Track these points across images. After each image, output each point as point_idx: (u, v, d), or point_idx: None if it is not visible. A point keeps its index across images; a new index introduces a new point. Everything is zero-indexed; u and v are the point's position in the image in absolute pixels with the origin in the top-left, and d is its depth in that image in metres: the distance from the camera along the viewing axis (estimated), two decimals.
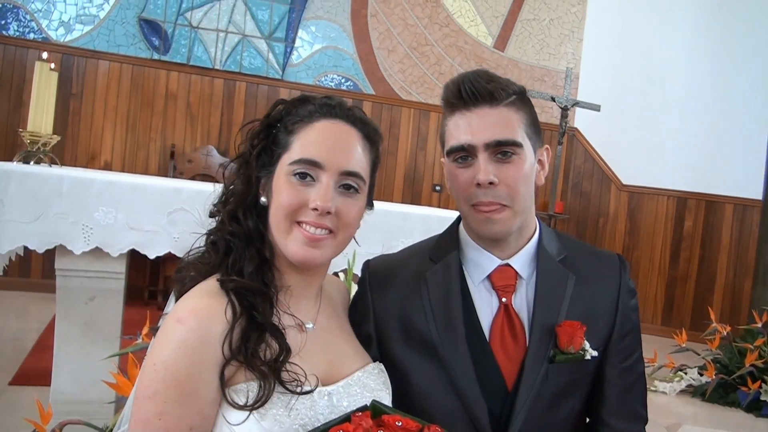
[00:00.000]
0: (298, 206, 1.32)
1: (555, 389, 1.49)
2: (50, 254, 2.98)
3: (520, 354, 1.50)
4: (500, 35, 8.06)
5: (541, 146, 1.59)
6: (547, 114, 7.89)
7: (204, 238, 1.43)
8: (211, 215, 1.42)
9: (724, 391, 5.31)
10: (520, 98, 1.52)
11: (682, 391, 5.45)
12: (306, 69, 7.40)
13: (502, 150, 1.47)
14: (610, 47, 8.24)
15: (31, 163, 3.12)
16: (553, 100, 7.42)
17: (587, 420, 1.65)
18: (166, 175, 6.71)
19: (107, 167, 6.70)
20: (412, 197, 7.56)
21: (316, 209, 1.31)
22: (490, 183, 1.46)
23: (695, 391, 5.42)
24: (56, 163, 3.21)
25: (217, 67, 7.09)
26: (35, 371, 3.99)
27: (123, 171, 6.55)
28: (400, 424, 1.16)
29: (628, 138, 8.10)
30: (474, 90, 1.47)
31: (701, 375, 5.50)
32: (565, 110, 7.39)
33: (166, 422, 1.20)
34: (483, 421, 1.47)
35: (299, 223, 1.33)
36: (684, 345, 5.79)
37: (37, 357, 4.35)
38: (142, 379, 1.24)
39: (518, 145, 1.48)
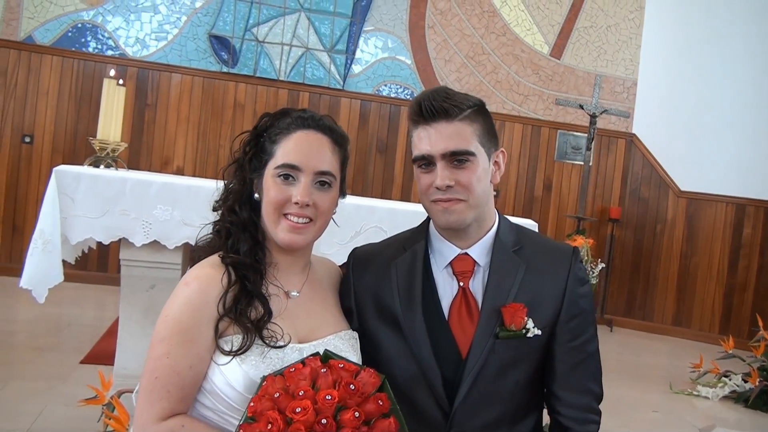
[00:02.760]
0: (284, 201, 1.68)
1: (500, 361, 1.75)
2: None
3: (473, 330, 1.77)
4: (557, 43, 8.22)
5: (497, 150, 1.84)
6: (605, 121, 7.99)
7: (211, 227, 1.81)
8: (214, 209, 1.80)
9: (767, 398, 5.36)
10: (476, 111, 1.77)
11: (725, 397, 5.52)
12: (365, 79, 7.76)
13: (457, 158, 1.73)
14: (667, 53, 8.27)
15: (101, 166, 3.52)
16: (581, 107, 7.57)
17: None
18: None
19: (179, 172, 7.21)
20: None
21: (297, 203, 1.67)
22: (448, 186, 1.73)
23: (738, 398, 5.48)
24: (124, 168, 3.61)
25: (281, 78, 7.53)
26: (104, 353, 4.44)
27: (194, 175, 7.02)
28: (342, 365, 1.46)
29: (686, 144, 8.11)
30: (432, 107, 1.73)
31: (745, 381, 5.54)
32: (594, 117, 7.51)
33: (172, 360, 1.55)
34: (436, 384, 1.75)
35: (285, 215, 1.69)
36: (730, 351, 5.83)
37: (107, 341, 4.81)
38: (157, 327, 1.61)
39: (471, 153, 1.74)
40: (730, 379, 5.63)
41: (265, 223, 1.72)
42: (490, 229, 1.86)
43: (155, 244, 3.31)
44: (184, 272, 3.63)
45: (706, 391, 5.54)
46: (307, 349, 1.66)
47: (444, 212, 1.76)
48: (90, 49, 7.19)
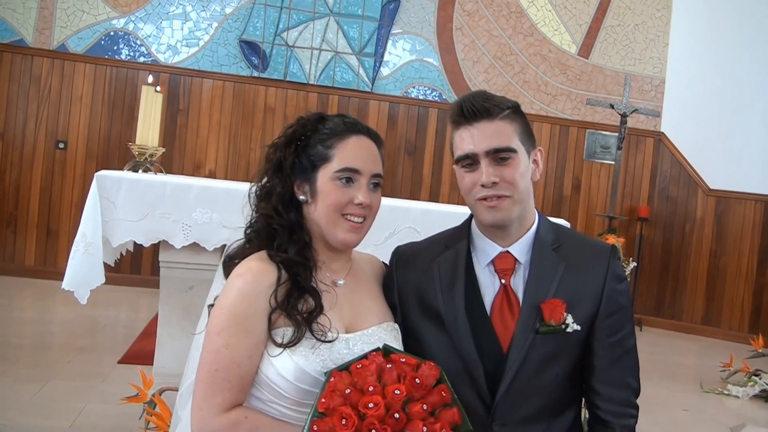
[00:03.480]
0: (346, 203, 1.74)
1: (541, 356, 1.79)
2: (157, 252, 3.43)
3: (514, 326, 1.81)
4: (584, 42, 8.21)
5: (534, 149, 1.89)
6: (633, 120, 7.95)
7: (243, 232, 1.85)
8: (255, 211, 1.83)
9: None
10: (514, 111, 1.83)
11: (755, 396, 5.51)
12: (394, 81, 7.82)
13: (500, 156, 1.79)
14: (695, 51, 8.24)
15: (140, 171, 3.61)
16: (612, 107, 7.56)
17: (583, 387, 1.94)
18: None
19: (211, 175, 7.31)
20: None
21: (360, 204, 1.74)
22: (493, 183, 1.78)
23: None
24: (161, 172, 3.70)
25: (311, 82, 7.62)
26: (141, 353, 4.54)
27: (226, 179, 7.09)
28: (404, 360, 1.53)
29: (714, 142, 8.07)
30: (473, 108, 1.79)
31: None
32: (624, 116, 7.51)
33: (231, 351, 1.60)
34: (479, 378, 1.80)
35: (344, 215, 1.75)
36: (761, 350, 5.82)
37: (143, 342, 4.91)
38: (212, 320, 1.66)
39: (513, 150, 1.79)
40: (760, 378, 5.61)
41: (314, 223, 1.77)
42: (531, 227, 1.90)
43: (194, 246, 3.37)
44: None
45: (737, 390, 5.52)
46: (353, 339, 1.72)
47: (490, 210, 1.81)
48: (122, 57, 7.34)
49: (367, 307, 1.85)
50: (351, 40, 7.69)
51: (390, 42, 7.81)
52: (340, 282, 1.81)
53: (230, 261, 1.80)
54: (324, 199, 1.75)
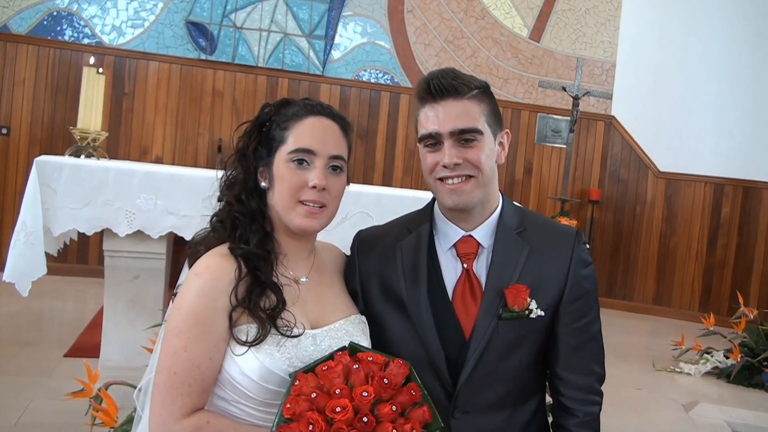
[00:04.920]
0: (300, 186, 1.66)
1: (504, 342, 1.75)
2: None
3: (476, 311, 1.77)
4: (536, 26, 8.21)
5: (501, 131, 1.84)
6: (584, 103, 8.00)
7: (209, 220, 1.78)
8: (219, 200, 1.77)
9: (749, 373, 5.45)
10: (483, 92, 1.77)
11: (707, 373, 5.61)
12: (345, 65, 7.71)
13: (465, 137, 1.73)
14: (646, 35, 8.30)
15: (82, 156, 3.48)
16: (564, 90, 7.60)
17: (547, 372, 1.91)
18: (214, 168, 7.08)
19: (158, 161, 7.12)
20: None
21: (314, 187, 1.65)
22: (455, 164, 1.73)
23: (720, 374, 5.56)
24: (104, 157, 3.57)
25: (260, 65, 7.45)
26: (88, 345, 4.40)
27: (174, 164, 6.95)
28: (371, 359, 1.47)
29: (664, 125, 8.17)
30: (441, 85, 1.72)
31: (727, 358, 5.62)
32: (576, 99, 7.57)
33: (190, 353, 1.53)
34: (440, 366, 1.75)
35: (301, 201, 1.67)
36: (712, 329, 5.92)
37: (90, 333, 4.77)
38: (170, 321, 1.58)
39: (479, 131, 1.74)
40: (711, 356, 5.72)
41: (275, 211, 1.71)
42: (494, 211, 1.86)
43: (139, 234, 3.30)
44: (168, 262, 3.62)
45: (689, 368, 5.63)
46: (320, 335, 1.66)
47: (451, 193, 1.76)
48: (66, 38, 7.07)
49: (332, 302, 1.79)
50: (301, 21, 7.54)
51: (341, 24, 7.68)
52: (302, 279, 1.74)
53: (195, 247, 1.74)
54: (279, 183, 1.68)
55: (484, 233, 1.83)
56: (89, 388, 3.06)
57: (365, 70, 7.78)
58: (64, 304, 6.04)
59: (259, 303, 1.59)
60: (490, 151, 1.78)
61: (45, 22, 7.01)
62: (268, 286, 1.63)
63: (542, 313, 1.75)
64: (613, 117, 8.41)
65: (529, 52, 8.18)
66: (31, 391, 3.73)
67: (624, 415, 4.43)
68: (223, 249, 1.67)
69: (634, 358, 6.05)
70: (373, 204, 3.43)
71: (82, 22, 7.10)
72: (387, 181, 7.74)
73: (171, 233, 3.35)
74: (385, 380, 1.41)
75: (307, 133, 1.69)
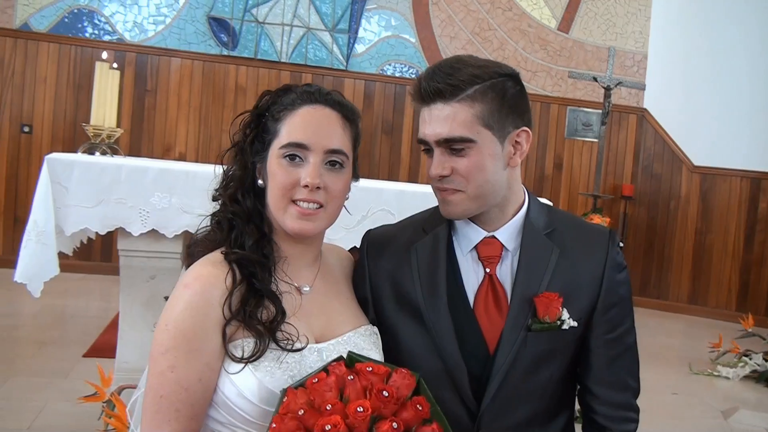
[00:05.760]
0: (291, 185, 1.49)
1: (533, 356, 1.57)
2: None
3: (502, 321, 1.59)
4: (564, 17, 8.01)
5: (517, 129, 1.60)
6: (616, 96, 7.78)
7: (209, 219, 1.62)
8: (214, 199, 1.61)
9: None
10: (483, 89, 1.53)
11: (745, 377, 5.40)
12: (369, 59, 7.58)
13: (452, 146, 1.54)
14: (678, 24, 8.06)
15: (96, 154, 3.39)
16: (595, 80, 7.37)
17: (578, 388, 1.74)
18: None
19: (182, 158, 7.07)
20: None
21: (306, 186, 1.48)
22: (442, 176, 1.55)
23: (759, 377, 5.35)
24: (118, 154, 3.48)
25: (283, 60, 7.36)
26: (107, 345, 4.31)
27: (197, 161, 6.88)
28: (370, 369, 1.30)
29: (699, 118, 7.92)
30: (428, 87, 1.53)
31: (766, 361, 5.42)
32: (608, 90, 7.33)
33: (177, 374, 1.37)
34: (463, 383, 1.57)
35: (294, 201, 1.50)
36: (750, 330, 5.71)
37: (111, 333, 4.69)
38: (156, 337, 1.42)
39: (468, 140, 1.52)
40: (750, 359, 5.50)
41: (271, 211, 1.54)
42: (519, 210, 1.67)
43: (154, 233, 3.19)
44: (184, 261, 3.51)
45: (726, 372, 5.41)
46: (326, 349, 1.50)
47: (443, 202, 1.60)
48: (87, 35, 7.04)
49: (339, 312, 1.62)
50: (324, 15, 7.43)
51: (364, 17, 7.55)
52: (305, 289, 1.58)
53: (194, 246, 1.59)
54: (271, 181, 1.52)
55: (508, 234, 1.65)
56: (102, 392, 2.98)
57: (389, 64, 7.64)
58: (87, 303, 6.00)
59: (256, 314, 1.43)
60: (491, 157, 1.56)
61: (66, 20, 6.98)
62: (265, 295, 1.47)
63: (575, 324, 1.58)
64: (646, 110, 8.18)
65: (557, 44, 7.98)
66: (47, 393, 3.68)
67: (659, 422, 4.24)
68: (216, 255, 1.52)
69: (669, 360, 5.85)
70: (395, 201, 3.29)
71: (102, 19, 7.06)
72: (413, 178, 7.59)
73: (186, 232, 3.24)
74: (385, 393, 1.23)
75: (300, 124, 1.51)
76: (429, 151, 1.59)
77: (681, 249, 8.06)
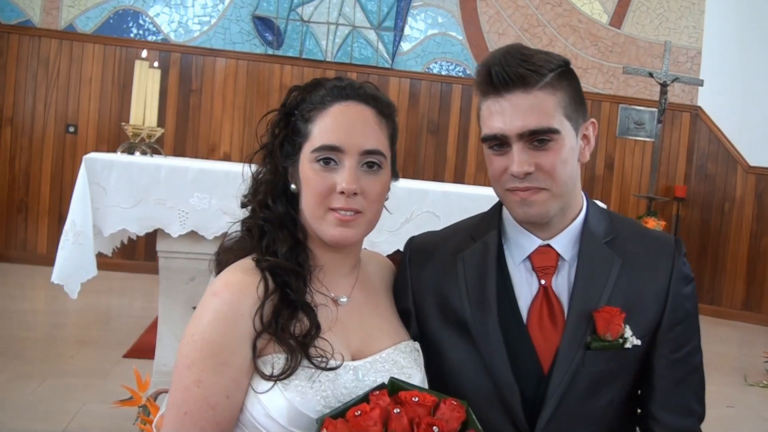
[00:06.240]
0: (327, 191, 1.38)
1: (591, 377, 1.44)
2: None
3: (557, 338, 1.45)
4: (616, 12, 7.79)
5: (585, 121, 1.50)
6: (668, 93, 7.53)
7: (240, 225, 1.52)
8: (243, 206, 1.51)
9: None
10: (558, 76, 1.42)
11: None
12: (415, 57, 7.47)
13: (538, 138, 1.40)
14: (733, 18, 7.76)
15: (136, 153, 3.34)
16: (651, 75, 7.15)
17: (639, 412, 1.59)
18: None
19: (226, 158, 7.05)
20: None
21: (343, 192, 1.37)
22: (526, 173, 1.41)
23: None
24: (159, 154, 3.43)
25: (328, 59, 7.29)
26: (148, 346, 4.26)
27: (242, 161, 6.83)
28: (416, 399, 1.19)
29: (755, 116, 7.60)
30: (505, 74, 1.38)
31: None
32: (664, 86, 7.09)
33: (204, 389, 1.27)
34: (515, 405, 1.44)
35: (331, 208, 1.39)
36: None
37: (152, 334, 4.65)
38: (181, 349, 1.32)
39: (554, 131, 1.40)
40: None
41: (307, 218, 1.43)
42: (577, 216, 1.53)
43: (193, 235, 3.14)
44: None
45: None
46: (362, 367, 1.38)
47: (522, 204, 1.44)
48: (132, 36, 7.08)
49: (378, 326, 1.50)
50: (369, 13, 7.33)
51: (410, 15, 7.43)
52: (342, 300, 1.46)
53: (223, 254, 1.49)
54: (305, 187, 1.41)
55: (565, 243, 1.51)
56: (138, 396, 2.92)
57: (436, 62, 7.51)
58: (130, 302, 6.03)
59: (289, 327, 1.32)
60: (570, 151, 1.44)
61: (111, 21, 7.03)
62: (299, 306, 1.35)
63: (639, 342, 1.43)
64: (699, 107, 7.91)
65: (609, 40, 7.76)
66: (85, 394, 3.65)
67: None
68: (247, 262, 1.41)
69: (723, 370, 5.58)
70: (441, 203, 3.17)
71: (147, 20, 7.08)
72: (459, 178, 7.44)
73: (226, 233, 3.17)
74: (435, 429, 1.13)
75: (332, 125, 1.39)
76: (500, 146, 1.45)
77: (735, 253, 7.75)
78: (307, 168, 1.40)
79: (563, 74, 1.44)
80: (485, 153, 1.51)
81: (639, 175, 7.81)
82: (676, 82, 7.29)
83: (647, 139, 7.65)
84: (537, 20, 7.64)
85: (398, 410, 1.16)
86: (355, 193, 1.38)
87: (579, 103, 1.47)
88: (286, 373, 1.28)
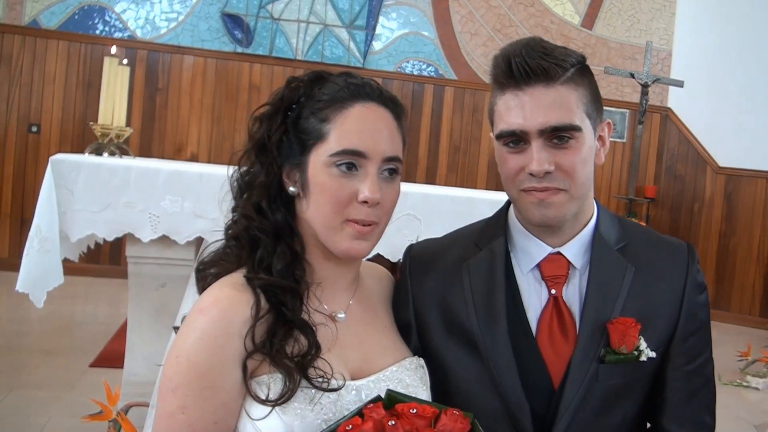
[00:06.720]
0: (348, 200, 1.27)
1: (605, 392, 1.37)
2: None
3: (569, 351, 1.37)
4: (588, 13, 7.80)
5: (602, 122, 1.44)
6: (638, 95, 7.56)
7: (224, 232, 1.39)
8: (234, 210, 1.37)
9: None
10: (580, 71, 1.37)
11: None
12: (387, 56, 7.39)
13: (559, 135, 1.33)
14: (705, 21, 7.81)
15: (104, 154, 3.21)
16: (632, 76, 7.17)
17: (648, 426, 1.52)
18: None
19: (193, 158, 6.89)
20: (497, 184, 7.42)
21: (365, 201, 1.26)
22: (546, 173, 1.33)
23: None
24: (128, 155, 3.30)
25: (299, 57, 7.16)
26: (115, 354, 4.13)
27: (209, 162, 6.72)
28: (414, 411, 1.09)
29: (724, 118, 7.65)
30: (527, 66, 1.31)
31: None
32: (645, 87, 7.13)
33: (189, 416, 1.17)
34: (525, 423, 1.36)
35: (349, 220, 1.28)
36: None
37: (118, 341, 4.51)
38: (166, 372, 1.21)
39: (577, 129, 1.34)
40: None
41: (307, 225, 1.31)
42: (589, 221, 1.46)
43: (165, 239, 3.03)
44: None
45: (756, 382, 5.17)
46: (365, 387, 1.28)
47: (539, 205, 1.36)
48: (98, 32, 6.87)
49: (379, 342, 1.39)
50: (341, 12, 7.23)
51: (382, 14, 7.34)
52: (340, 315, 1.35)
53: (204, 270, 1.36)
54: (318, 194, 1.28)
55: (576, 250, 1.43)
56: (108, 410, 2.80)
57: (408, 62, 7.43)
58: (95, 308, 5.85)
59: (284, 348, 1.21)
60: (589, 150, 1.37)
61: (76, 17, 6.82)
62: (296, 325, 1.24)
63: (654, 354, 1.36)
64: (670, 109, 7.95)
65: (581, 41, 7.76)
66: (51, 407, 3.49)
67: None
68: (237, 277, 1.28)
69: None
70: (422, 205, 3.10)
71: (114, 16, 6.89)
72: (430, 179, 7.38)
73: (199, 238, 3.07)
74: None
75: (355, 127, 1.28)
76: (517, 143, 1.37)
77: (704, 252, 7.76)
78: (321, 172, 1.28)
79: (584, 70, 1.39)
80: (498, 151, 1.42)
81: (610, 176, 7.83)
82: (657, 83, 7.35)
83: (618, 140, 7.68)
84: (509, 20, 7.61)
85: (393, 422, 1.06)
86: (377, 203, 1.28)
87: (598, 101, 1.41)
88: (285, 397, 1.17)
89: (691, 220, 7.90)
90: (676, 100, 7.93)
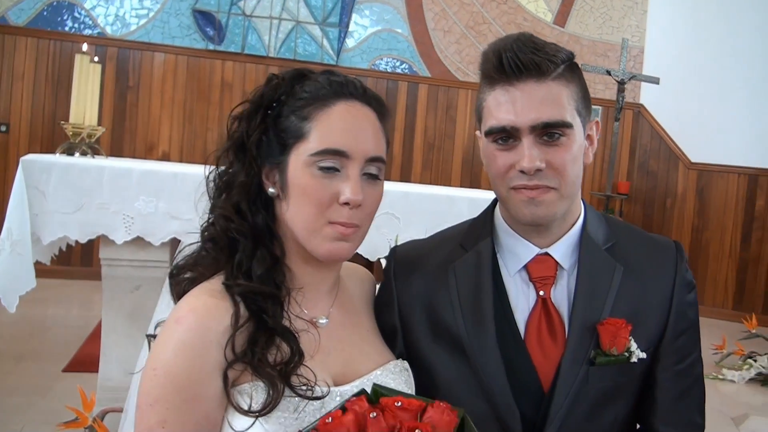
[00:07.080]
0: (329, 201, 1.23)
1: (596, 394, 1.35)
2: None
3: (558, 354, 1.36)
4: (560, 10, 7.81)
5: (591, 120, 1.42)
6: (611, 91, 7.61)
7: (199, 234, 1.34)
8: (212, 211, 1.33)
9: None
10: (570, 68, 1.35)
11: (751, 380, 5.21)
12: (360, 53, 7.34)
13: (549, 132, 1.31)
14: (676, 18, 7.88)
15: (76, 154, 3.15)
16: (608, 73, 7.21)
17: (638, 427, 1.51)
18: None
19: (165, 157, 6.79)
20: (471, 181, 7.43)
21: (347, 203, 1.23)
22: (536, 170, 1.31)
23: (765, 380, 5.16)
24: (100, 155, 3.23)
25: (271, 55, 7.08)
26: (89, 358, 4.07)
27: (181, 161, 6.63)
28: (399, 404, 1.04)
29: (696, 114, 7.73)
30: (518, 61, 1.30)
31: None
32: (621, 84, 7.17)
33: (170, 430, 1.13)
34: (515, 427, 1.34)
35: (331, 222, 1.25)
36: (754, 331, 5.56)
37: (92, 345, 4.44)
38: (143, 386, 1.16)
39: (568, 125, 1.32)
40: (755, 361, 5.32)
41: (287, 228, 1.28)
42: (576, 222, 1.44)
43: (139, 241, 2.98)
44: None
45: (732, 375, 5.22)
46: (349, 392, 1.23)
47: (529, 204, 1.33)
48: (67, 29, 6.73)
49: (361, 347, 1.36)
50: (313, 9, 7.16)
51: (355, 11, 7.29)
52: (321, 321, 1.31)
53: (178, 274, 1.31)
54: (298, 195, 1.24)
55: (564, 250, 1.41)
56: (83, 417, 2.73)
57: (382, 59, 7.39)
58: (67, 311, 5.73)
59: (266, 357, 1.17)
60: (579, 148, 1.36)
61: (45, 13, 6.67)
62: (278, 333, 1.20)
63: (644, 355, 1.35)
64: (642, 105, 8.01)
65: (553, 38, 7.74)
66: (25, 414, 3.40)
67: None
68: (215, 283, 1.24)
69: None
70: (401, 204, 3.08)
71: (83, 12, 6.76)
72: (405, 177, 7.35)
73: (174, 239, 3.02)
74: None
75: (337, 126, 1.24)
76: (506, 140, 1.34)
77: None
78: (302, 173, 1.24)
79: (574, 67, 1.37)
80: (486, 148, 1.39)
81: (592, 173, 7.87)
82: (634, 80, 7.39)
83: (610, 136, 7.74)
84: (482, 17, 7.60)
85: (375, 414, 1.01)
86: (359, 205, 1.24)
87: (587, 99, 1.39)
88: (269, 407, 1.14)
89: (664, 215, 7.97)
90: (648, 97, 7.98)
